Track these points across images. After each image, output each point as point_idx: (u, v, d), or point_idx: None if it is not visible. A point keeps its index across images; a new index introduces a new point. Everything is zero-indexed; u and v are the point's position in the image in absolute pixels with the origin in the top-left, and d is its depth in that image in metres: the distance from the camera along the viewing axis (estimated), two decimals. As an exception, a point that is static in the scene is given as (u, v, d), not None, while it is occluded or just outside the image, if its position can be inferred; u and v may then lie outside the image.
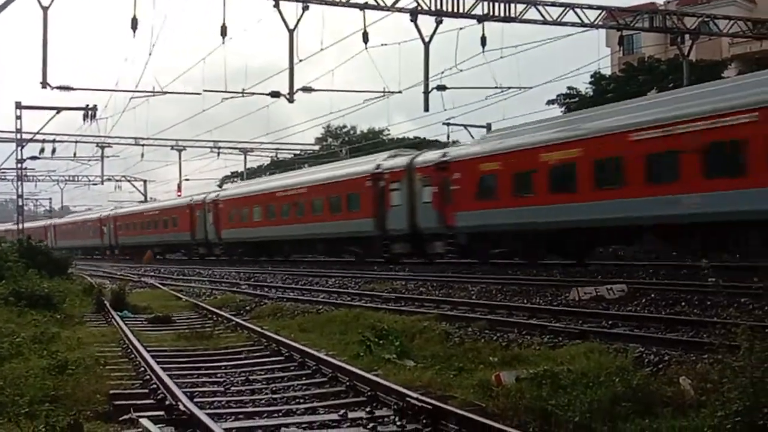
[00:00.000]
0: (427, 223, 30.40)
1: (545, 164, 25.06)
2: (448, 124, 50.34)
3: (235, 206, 47.81)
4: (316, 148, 76.24)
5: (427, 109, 29.35)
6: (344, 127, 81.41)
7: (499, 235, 27.48)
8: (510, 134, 28.24)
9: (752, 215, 19.23)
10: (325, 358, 10.89)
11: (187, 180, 68.45)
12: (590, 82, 49.93)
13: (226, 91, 33.58)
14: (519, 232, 26.52)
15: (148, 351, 11.96)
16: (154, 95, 34.38)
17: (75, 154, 60.47)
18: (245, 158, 68.17)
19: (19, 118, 44.92)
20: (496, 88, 32.63)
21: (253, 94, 33.91)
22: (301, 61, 27.11)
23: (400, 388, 8.46)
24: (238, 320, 16.36)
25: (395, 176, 32.50)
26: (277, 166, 76.36)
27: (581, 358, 10.08)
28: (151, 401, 8.87)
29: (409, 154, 34.22)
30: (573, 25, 28.52)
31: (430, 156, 31.55)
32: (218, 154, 64.87)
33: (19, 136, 47.50)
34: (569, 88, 50.88)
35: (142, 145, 60.76)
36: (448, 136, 54.71)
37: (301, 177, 43.21)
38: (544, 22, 28.11)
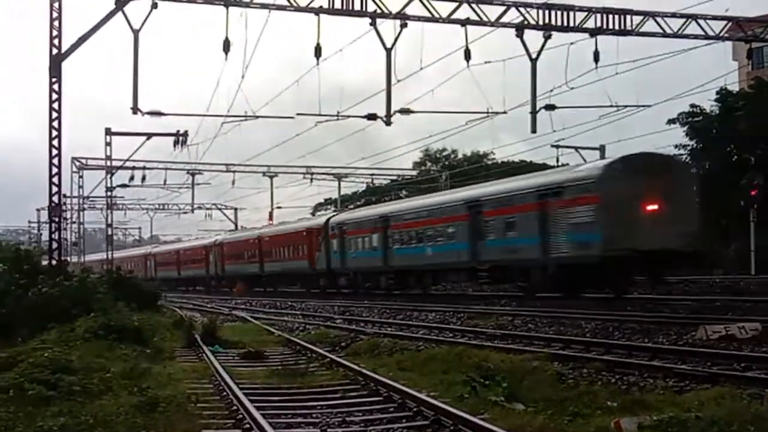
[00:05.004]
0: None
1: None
2: (558, 147, 49.77)
3: None
4: (414, 173, 76.50)
5: (534, 130, 29.14)
6: (444, 150, 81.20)
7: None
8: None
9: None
10: (427, 399, 10.83)
11: (279, 207, 69.81)
12: (716, 100, 48.63)
13: (319, 114, 34.10)
14: None
15: (241, 388, 12.16)
16: (246, 119, 35.12)
17: (165, 181, 62.29)
18: (339, 184, 69.05)
19: (108, 144, 46.57)
20: (610, 106, 32.09)
21: (348, 117, 34.31)
22: (399, 81, 27.36)
23: (510, 434, 8.35)
24: (333, 357, 16.46)
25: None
26: (373, 192, 76.93)
27: (711, 404, 9.80)
28: (245, 442, 8.99)
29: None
30: (696, 37, 27.92)
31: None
32: (311, 180, 65.79)
33: (108, 163, 49.31)
34: (692, 106, 49.65)
35: (233, 171, 62.37)
36: (557, 159, 54.07)
37: None
38: (664, 35, 27.62)
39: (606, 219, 27.54)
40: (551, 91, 30.47)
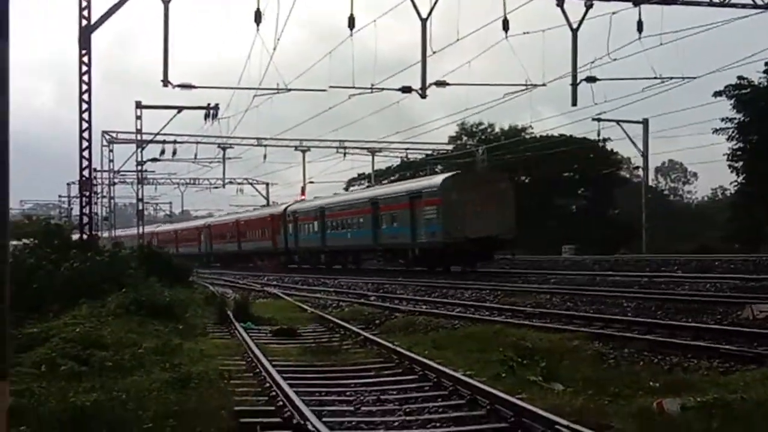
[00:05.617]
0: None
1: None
2: (599, 120, 49.31)
3: None
4: (450, 147, 76.10)
5: (575, 103, 28.92)
6: (481, 124, 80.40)
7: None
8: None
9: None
10: (463, 378, 10.79)
11: (311, 182, 69.95)
12: (765, 71, 47.93)
13: (353, 87, 33.97)
14: None
15: (274, 365, 12.21)
16: (278, 92, 35.10)
17: (196, 155, 62.46)
18: (373, 159, 68.91)
19: (139, 118, 46.78)
20: (654, 78, 31.65)
21: (383, 89, 34.14)
22: (434, 52, 27.17)
23: (549, 414, 8.27)
24: (367, 335, 16.47)
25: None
26: (408, 167, 76.64)
27: (757, 386, 9.70)
28: (278, 419, 9.03)
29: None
30: (744, 6, 27.42)
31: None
32: (344, 154, 65.60)
33: (139, 137, 49.61)
34: (740, 78, 49.00)
35: (265, 145, 62.40)
36: (599, 133, 53.58)
37: None
38: (710, 4, 27.17)
39: (445, 216, 39.79)
40: (592, 62, 30.06)
